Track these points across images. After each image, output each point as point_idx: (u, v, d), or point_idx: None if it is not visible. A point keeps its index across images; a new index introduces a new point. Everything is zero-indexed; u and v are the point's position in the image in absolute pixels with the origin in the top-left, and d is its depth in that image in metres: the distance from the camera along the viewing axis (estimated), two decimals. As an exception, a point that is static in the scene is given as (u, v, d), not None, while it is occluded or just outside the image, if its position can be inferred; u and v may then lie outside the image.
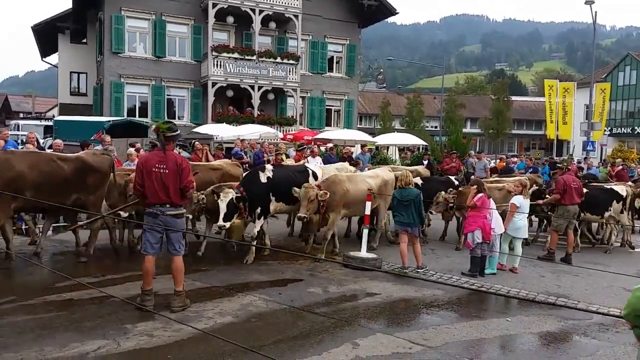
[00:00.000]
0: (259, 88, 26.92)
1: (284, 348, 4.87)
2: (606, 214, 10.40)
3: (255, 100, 26.81)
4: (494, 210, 8.04)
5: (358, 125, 34.77)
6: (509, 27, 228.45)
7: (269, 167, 8.74)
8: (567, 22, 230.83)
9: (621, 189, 10.64)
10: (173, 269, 5.74)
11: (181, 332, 5.06)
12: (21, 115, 47.42)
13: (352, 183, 8.85)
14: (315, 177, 9.25)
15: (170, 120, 6.13)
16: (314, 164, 11.36)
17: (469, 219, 8.08)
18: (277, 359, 4.44)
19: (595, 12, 24.87)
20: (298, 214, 8.19)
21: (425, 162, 16.84)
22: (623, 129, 47.41)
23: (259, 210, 8.20)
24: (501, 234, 8.17)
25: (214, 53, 25.92)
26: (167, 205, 5.59)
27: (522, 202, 8.24)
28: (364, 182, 9.05)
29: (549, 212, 10.13)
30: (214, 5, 25.96)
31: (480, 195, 7.97)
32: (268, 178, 8.32)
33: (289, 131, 26.25)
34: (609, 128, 41.53)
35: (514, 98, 56.55)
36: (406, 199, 7.79)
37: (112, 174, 7.91)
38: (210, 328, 5.24)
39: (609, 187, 10.94)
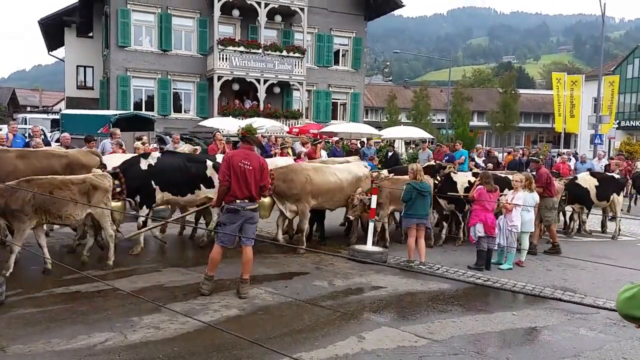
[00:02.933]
0: (265, 81, 26.91)
1: (289, 341, 4.88)
2: None
3: (261, 94, 26.81)
4: (519, 205, 8.01)
5: (364, 119, 34.73)
6: (517, 19, 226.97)
7: (154, 154, 8.22)
8: (576, 15, 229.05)
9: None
10: (245, 258, 6.13)
11: (187, 325, 5.08)
12: (28, 109, 47.75)
13: (317, 173, 8.62)
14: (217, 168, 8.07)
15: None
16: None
17: (472, 213, 8.17)
18: (282, 352, 4.45)
19: (604, 4, 24.67)
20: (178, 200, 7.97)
21: (391, 154, 16.69)
22: (631, 122, 46.98)
23: (138, 198, 7.75)
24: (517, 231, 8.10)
25: (220, 46, 25.91)
26: (247, 200, 5.98)
27: (527, 197, 8.19)
28: (333, 173, 8.84)
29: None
30: (220, -2, 25.92)
31: (479, 187, 8.04)
32: (150, 165, 7.80)
33: (295, 125, 26.24)
34: (617, 121, 41.17)
35: (521, 91, 56.22)
36: (426, 191, 7.78)
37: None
38: (216, 321, 5.26)
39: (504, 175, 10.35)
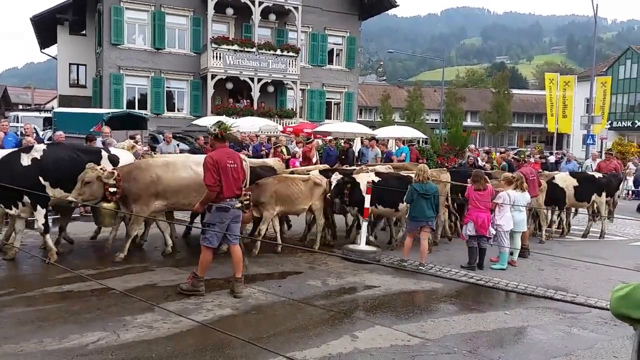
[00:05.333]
0: (259, 80, 26.87)
1: (282, 340, 4.88)
2: (401, 206, 8.72)
3: (255, 93, 26.77)
4: (507, 206, 8.03)
5: (358, 118, 34.73)
6: (510, 19, 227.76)
7: (38, 146, 7.47)
8: (568, 15, 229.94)
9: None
10: (235, 258, 6.10)
11: (180, 324, 5.07)
12: (20, 107, 47.34)
13: (169, 170, 7.51)
14: (115, 161, 7.82)
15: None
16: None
17: (467, 212, 8.22)
18: (276, 351, 4.45)
19: (597, 5, 24.80)
20: (68, 197, 7.00)
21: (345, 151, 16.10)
22: (623, 122, 47.35)
23: (26, 199, 6.92)
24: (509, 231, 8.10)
25: (214, 45, 25.85)
26: (234, 199, 5.95)
27: (516, 196, 8.20)
28: (188, 167, 7.61)
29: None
30: (214, -4, 25.86)
31: (469, 187, 8.15)
32: (34, 160, 7.04)
33: (288, 124, 26.22)
34: (610, 122, 41.45)
35: (514, 91, 56.52)
36: (428, 193, 7.70)
37: None
38: (209, 320, 5.25)
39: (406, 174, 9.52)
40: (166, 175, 7.44)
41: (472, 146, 18.92)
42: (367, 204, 8.27)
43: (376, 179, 8.72)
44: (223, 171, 5.80)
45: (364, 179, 8.67)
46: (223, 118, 21.79)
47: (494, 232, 8.04)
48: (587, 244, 10.70)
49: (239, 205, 6.08)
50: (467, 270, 7.79)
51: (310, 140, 15.57)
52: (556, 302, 6.42)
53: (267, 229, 8.43)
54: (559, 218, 11.30)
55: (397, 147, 16.83)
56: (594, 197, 11.09)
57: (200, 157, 7.76)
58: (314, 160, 14.13)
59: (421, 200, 7.67)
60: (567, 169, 13.78)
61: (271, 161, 10.50)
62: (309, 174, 9.29)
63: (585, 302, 6.38)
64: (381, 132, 24.91)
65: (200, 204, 6.09)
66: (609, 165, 13.29)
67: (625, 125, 47.09)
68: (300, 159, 14.06)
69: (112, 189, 7.01)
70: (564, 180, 10.97)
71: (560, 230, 11.35)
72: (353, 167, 11.11)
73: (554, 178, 11.04)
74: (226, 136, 6.12)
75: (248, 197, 7.27)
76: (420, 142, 26.63)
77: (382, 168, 10.45)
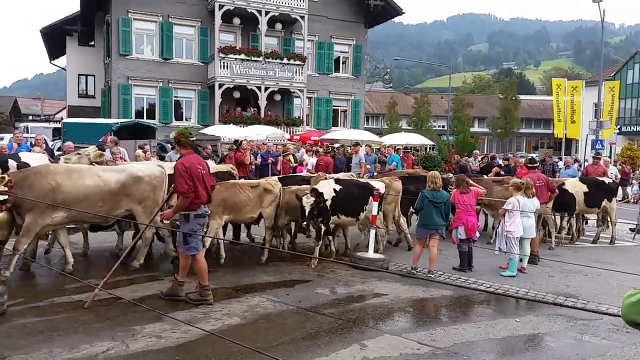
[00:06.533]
0: (266, 89, 26.98)
1: (291, 349, 4.87)
2: (361, 215, 8.67)
3: (262, 101, 26.87)
4: (517, 212, 8.01)
5: (365, 126, 34.76)
6: (517, 25, 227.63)
7: None
8: (575, 21, 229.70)
9: (379, 184, 8.98)
10: (198, 266, 6.06)
11: (189, 334, 5.07)
12: (30, 117, 47.84)
13: (71, 177, 6.78)
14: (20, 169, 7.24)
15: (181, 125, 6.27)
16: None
17: (455, 216, 8.30)
18: (284, 360, 4.44)
19: (604, 10, 24.70)
20: None
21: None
22: (632, 127, 46.98)
23: None
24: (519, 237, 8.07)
25: (221, 54, 26.01)
26: (205, 205, 6.04)
27: (526, 202, 8.17)
28: (95, 175, 7.01)
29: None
30: (221, 6, 26.06)
31: (453, 191, 8.28)
32: None
33: (295, 132, 26.28)
34: (618, 126, 41.17)
35: (522, 97, 56.27)
36: (439, 201, 7.67)
37: None
38: (218, 329, 5.24)
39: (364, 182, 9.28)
40: (67, 183, 6.65)
41: (477, 152, 18.82)
42: (374, 211, 8.26)
43: (337, 187, 8.39)
44: (196, 177, 5.81)
45: (326, 187, 8.34)
46: (231, 127, 22.03)
47: (478, 235, 8.26)
48: (598, 250, 10.61)
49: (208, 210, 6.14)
50: (459, 273, 7.88)
51: (330, 150, 15.07)
52: (567, 309, 6.35)
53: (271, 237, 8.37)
54: (568, 224, 11.19)
55: (366, 154, 16.14)
56: (604, 202, 11.00)
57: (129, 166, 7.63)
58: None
59: (431, 208, 7.66)
60: (567, 175, 13.34)
61: (225, 167, 10.17)
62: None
63: (597, 309, 6.32)
64: (388, 139, 24.94)
65: (172, 211, 6.03)
66: (598, 170, 12.86)
67: (635, 130, 46.72)
68: (311, 168, 13.92)
69: (0, 197, 6.15)
70: (574, 186, 10.89)
71: (570, 236, 11.25)
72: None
73: (563, 184, 10.92)
74: (183, 142, 6.08)
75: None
76: (428, 148, 26.58)
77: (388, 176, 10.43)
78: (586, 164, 15.71)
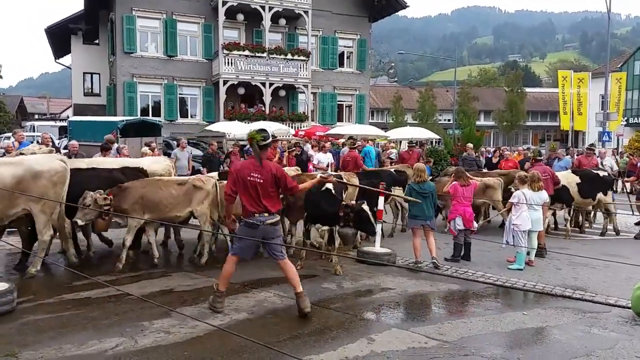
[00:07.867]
0: (270, 85, 26.97)
1: (299, 344, 4.88)
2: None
3: (267, 97, 26.87)
4: (524, 205, 8.01)
5: (370, 120, 34.73)
6: (522, 17, 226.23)
7: None
8: (581, 12, 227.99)
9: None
10: (288, 274, 5.64)
11: (197, 329, 5.09)
12: (36, 116, 48.15)
13: None
14: None
15: (263, 128, 5.95)
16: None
17: (452, 208, 8.42)
18: (292, 354, 4.45)
19: (610, 0, 24.50)
20: None
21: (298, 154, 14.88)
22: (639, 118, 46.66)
23: None
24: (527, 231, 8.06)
25: (225, 51, 26.01)
26: (265, 215, 5.48)
27: (533, 195, 8.15)
28: None
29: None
30: (224, 3, 26.03)
31: (453, 183, 8.36)
32: None
33: (300, 127, 26.28)
34: (625, 118, 40.87)
35: (527, 90, 55.92)
36: (425, 192, 7.81)
37: None
38: (225, 324, 5.26)
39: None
40: None
41: (470, 145, 18.66)
42: (380, 206, 8.28)
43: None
44: (243, 184, 5.44)
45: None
46: (236, 123, 22.04)
47: (477, 225, 8.42)
48: (605, 242, 10.56)
49: (272, 220, 5.55)
50: (451, 263, 8.04)
51: (356, 145, 13.97)
52: (575, 302, 6.33)
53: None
54: (570, 216, 11.18)
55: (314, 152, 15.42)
56: (600, 195, 10.98)
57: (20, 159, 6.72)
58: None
59: (420, 199, 7.79)
60: (559, 167, 12.93)
61: (147, 161, 9.13)
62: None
63: (605, 301, 6.28)
64: (393, 134, 24.91)
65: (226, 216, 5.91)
66: (591, 162, 12.71)
67: (642, 121, 46.38)
68: (317, 163, 13.81)
69: None
70: (566, 178, 10.92)
71: (577, 229, 11.23)
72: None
73: None
74: (252, 148, 5.59)
75: (109, 201, 6.86)
76: (434, 142, 26.50)
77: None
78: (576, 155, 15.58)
